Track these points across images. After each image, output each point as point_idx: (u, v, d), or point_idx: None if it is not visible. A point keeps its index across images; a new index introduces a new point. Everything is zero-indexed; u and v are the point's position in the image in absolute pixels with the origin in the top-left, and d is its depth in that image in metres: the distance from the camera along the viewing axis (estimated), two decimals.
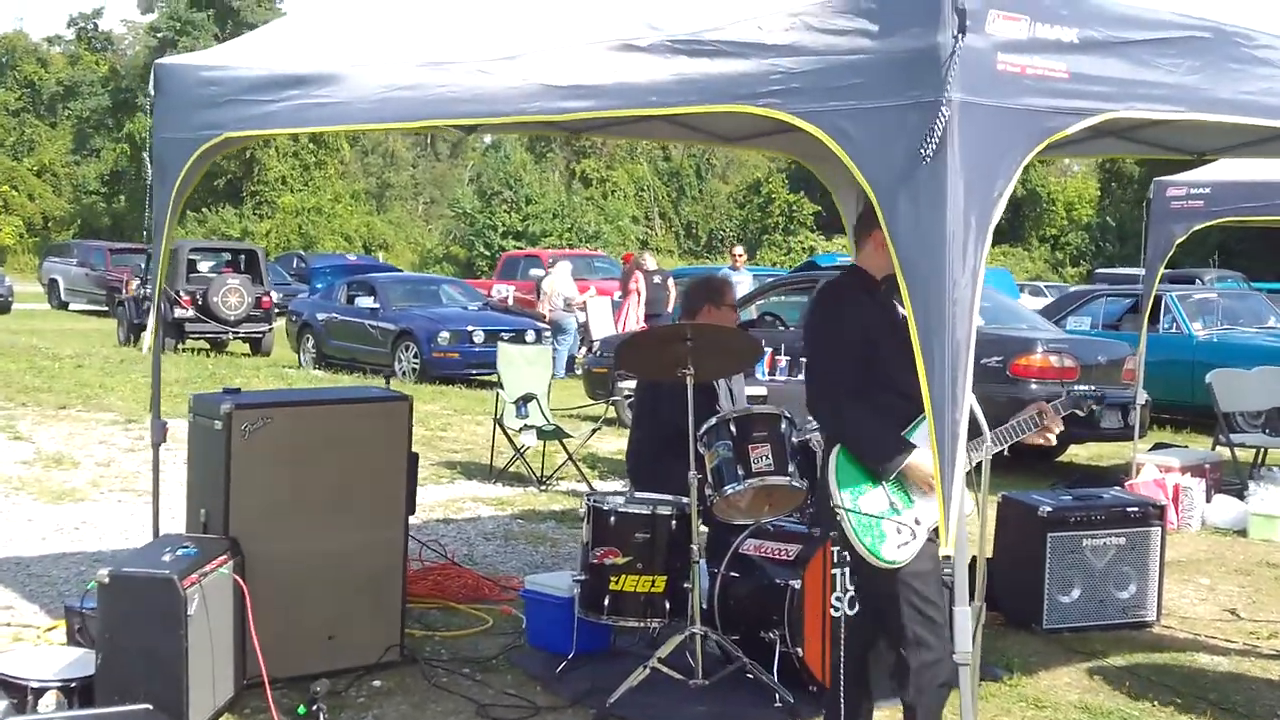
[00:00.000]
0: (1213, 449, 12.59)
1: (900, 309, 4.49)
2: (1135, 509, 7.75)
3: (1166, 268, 11.33)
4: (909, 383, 4.36)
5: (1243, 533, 10.47)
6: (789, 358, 12.01)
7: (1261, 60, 4.51)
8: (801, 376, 11.68)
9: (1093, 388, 5.39)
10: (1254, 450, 12.83)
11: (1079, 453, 14.63)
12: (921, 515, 4.68)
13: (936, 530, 4.44)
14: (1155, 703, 6.37)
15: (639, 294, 22.67)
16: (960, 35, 3.66)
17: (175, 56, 6.75)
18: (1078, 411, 5.24)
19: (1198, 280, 23.46)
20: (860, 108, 3.91)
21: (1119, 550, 7.61)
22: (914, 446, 4.64)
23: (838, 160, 8.02)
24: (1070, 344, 13.91)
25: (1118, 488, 8.89)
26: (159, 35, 67.42)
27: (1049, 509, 7.54)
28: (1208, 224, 10.90)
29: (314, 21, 6.46)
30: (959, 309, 3.76)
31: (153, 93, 6.37)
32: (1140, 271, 28.32)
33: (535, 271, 30.21)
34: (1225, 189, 10.43)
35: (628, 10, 4.81)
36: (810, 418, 6.70)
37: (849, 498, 4.65)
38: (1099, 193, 59.08)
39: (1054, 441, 5.18)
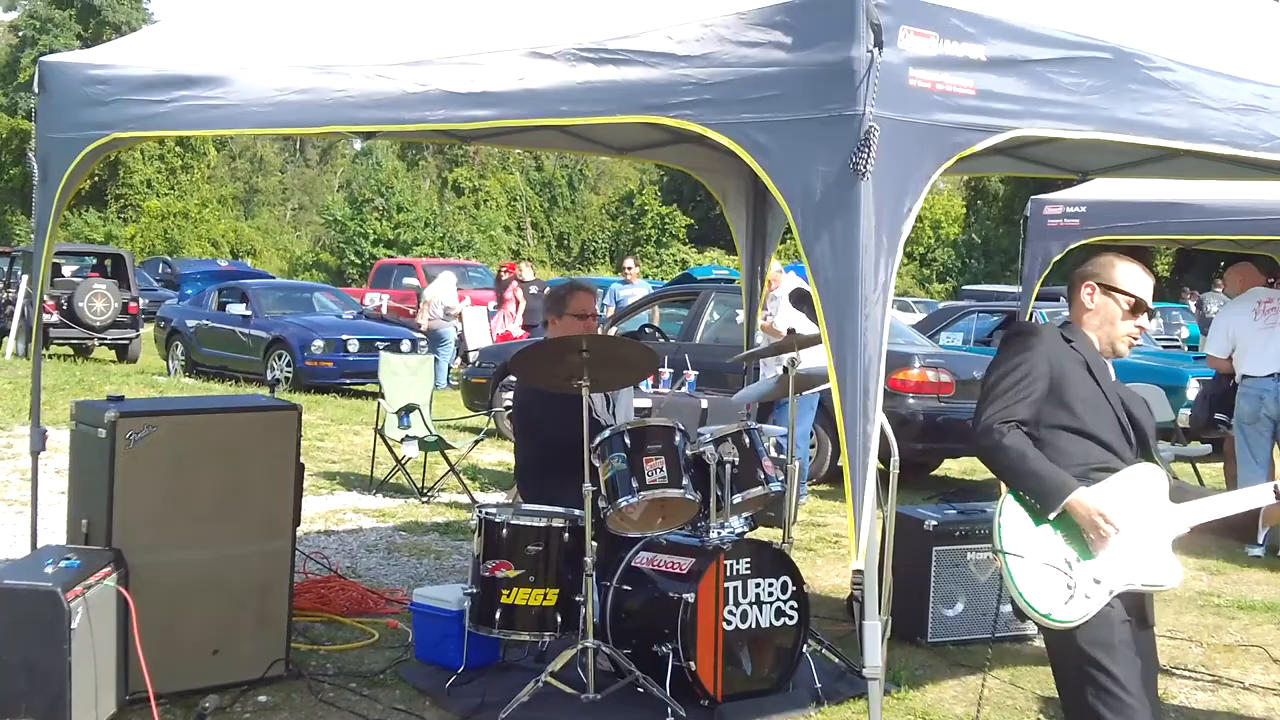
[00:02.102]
0: None
1: (1106, 366, 4.42)
2: None
3: None
4: (1100, 427, 4.31)
5: None
6: (671, 370, 12.03)
7: (1159, 82, 4.59)
8: (684, 389, 11.81)
9: None
10: None
11: (952, 466, 14.81)
12: (1103, 573, 4.19)
13: (1124, 597, 4.21)
14: (1040, 716, 6.45)
15: (517, 304, 22.64)
16: (877, 50, 3.68)
17: (61, 55, 6.57)
18: None
19: (1062, 298, 23.90)
20: (775, 120, 3.91)
21: None
22: (1077, 484, 4.16)
23: (728, 172, 8.21)
24: (946, 359, 14.09)
25: None
26: (19, 34, 65.99)
27: (934, 523, 7.59)
28: (1083, 242, 11.08)
29: (207, 22, 6.33)
30: (870, 323, 3.77)
31: (37, 91, 6.20)
32: (1005, 288, 28.83)
33: (409, 280, 30.00)
34: (1100, 208, 10.59)
35: (535, 16, 4.78)
36: (701, 431, 6.72)
37: (1012, 541, 4.17)
38: (964, 210, 60.13)
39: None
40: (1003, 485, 4.33)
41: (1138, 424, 4.42)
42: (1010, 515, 4.21)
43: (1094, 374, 4.36)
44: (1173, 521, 4.34)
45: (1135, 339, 4.53)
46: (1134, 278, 4.43)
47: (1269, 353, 10.54)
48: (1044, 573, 4.14)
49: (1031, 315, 14.41)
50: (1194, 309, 25.37)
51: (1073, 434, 4.30)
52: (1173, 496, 4.38)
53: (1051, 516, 4.17)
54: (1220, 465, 12.32)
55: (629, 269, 22.87)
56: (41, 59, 6.41)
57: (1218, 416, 12.07)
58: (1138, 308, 4.42)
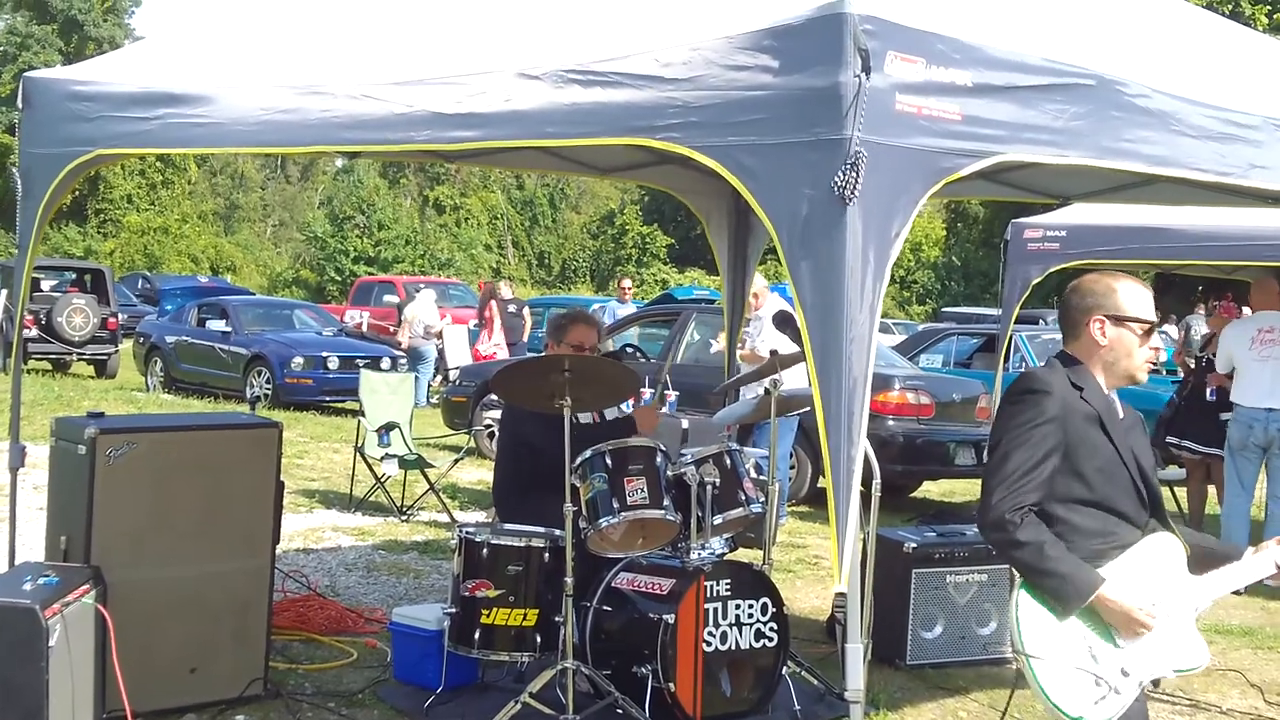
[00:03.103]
0: None
1: (1117, 411, 4.16)
2: None
3: None
4: (1115, 495, 4.07)
5: None
6: (651, 390, 12.03)
7: (1141, 109, 4.62)
8: (666, 409, 11.79)
9: None
10: None
11: (931, 489, 14.84)
12: (1131, 665, 3.98)
13: (1155, 683, 4.07)
14: None
15: (494, 322, 22.67)
16: (865, 75, 3.70)
17: (45, 70, 6.57)
18: None
19: (1041, 321, 24.03)
20: (762, 143, 3.92)
21: (981, 587, 7.69)
22: (1101, 580, 3.93)
23: (711, 193, 8.23)
24: (926, 381, 14.13)
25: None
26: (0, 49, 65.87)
27: (914, 545, 7.59)
28: (1063, 266, 11.12)
29: (192, 40, 6.33)
30: (856, 346, 3.78)
31: (21, 106, 6.19)
32: (985, 310, 28.90)
33: (389, 298, 29.97)
34: (1080, 232, 10.62)
35: (522, 38, 4.78)
36: (683, 452, 6.72)
37: (1032, 641, 3.92)
38: (945, 233, 60.31)
39: None
40: (1012, 571, 4.09)
41: (1150, 481, 4.18)
42: (1028, 612, 3.96)
43: (1108, 429, 4.08)
44: (1194, 597, 4.13)
45: (1152, 364, 4.27)
46: (1141, 300, 4.16)
47: (1262, 384, 10.55)
48: (1072, 675, 3.91)
49: (1011, 338, 14.50)
50: (1179, 333, 25.50)
51: (1088, 507, 4.06)
52: (1191, 565, 4.16)
53: (1071, 615, 3.96)
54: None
55: (625, 289, 22.87)
56: (25, 74, 6.40)
57: (1169, 439, 12.13)
58: (1150, 331, 4.16)
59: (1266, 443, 10.52)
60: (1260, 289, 11.04)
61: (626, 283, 23.47)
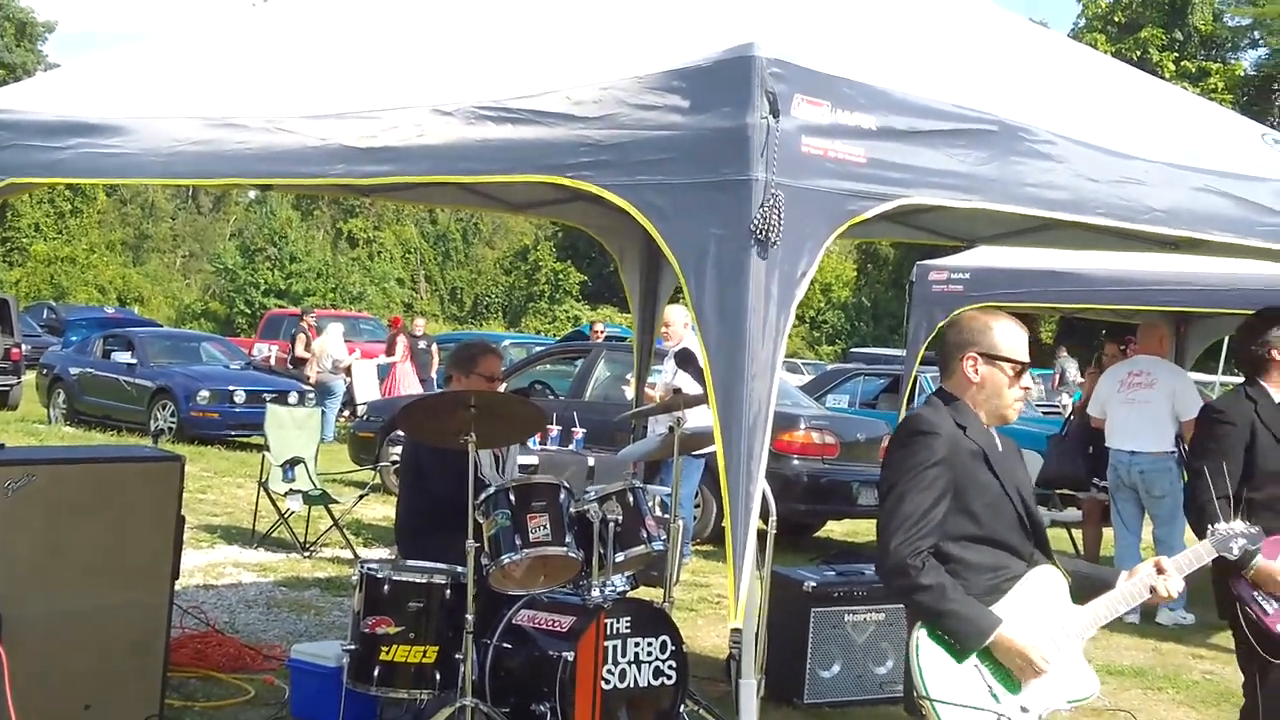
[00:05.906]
0: None
1: (997, 445, 4.23)
2: None
3: None
4: (1003, 530, 4.13)
5: None
6: (560, 427, 12.04)
7: (1042, 155, 4.68)
8: (572, 446, 11.81)
9: (1249, 528, 4.64)
10: None
11: (835, 528, 14.93)
12: (1030, 701, 4.03)
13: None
14: None
15: (405, 358, 22.65)
16: (774, 118, 3.74)
17: None
18: (1227, 555, 4.61)
19: None
20: (670, 183, 3.95)
21: (879, 626, 7.74)
22: (999, 620, 4.00)
23: (624, 231, 8.26)
24: (831, 421, 14.23)
25: None
26: None
27: (813, 584, 7.64)
28: (968, 308, 11.26)
29: (108, 69, 6.26)
30: (758, 384, 3.80)
31: None
32: (893, 351, 29.20)
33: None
34: (984, 274, 10.80)
35: (436, 73, 4.79)
36: (588, 489, 6.72)
37: (934, 684, 3.95)
38: (855, 274, 60.86)
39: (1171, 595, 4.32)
40: (907, 614, 4.14)
41: (1032, 512, 4.26)
42: (929, 656, 3.99)
43: (992, 465, 4.16)
44: (1079, 627, 4.18)
45: (1022, 403, 4.35)
46: (1014, 340, 4.25)
47: (1126, 427, 10.79)
48: (976, 716, 3.94)
49: (915, 379, 14.60)
50: (1054, 376, 26.12)
51: (978, 543, 4.12)
52: (1073, 594, 4.22)
53: (969, 656, 4.00)
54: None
55: (600, 330, 22.97)
56: None
57: (1095, 482, 12.29)
58: (1021, 371, 4.24)
59: (1132, 485, 10.71)
60: (1146, 333, 11.27)
61: (600, 325, 23.69)
